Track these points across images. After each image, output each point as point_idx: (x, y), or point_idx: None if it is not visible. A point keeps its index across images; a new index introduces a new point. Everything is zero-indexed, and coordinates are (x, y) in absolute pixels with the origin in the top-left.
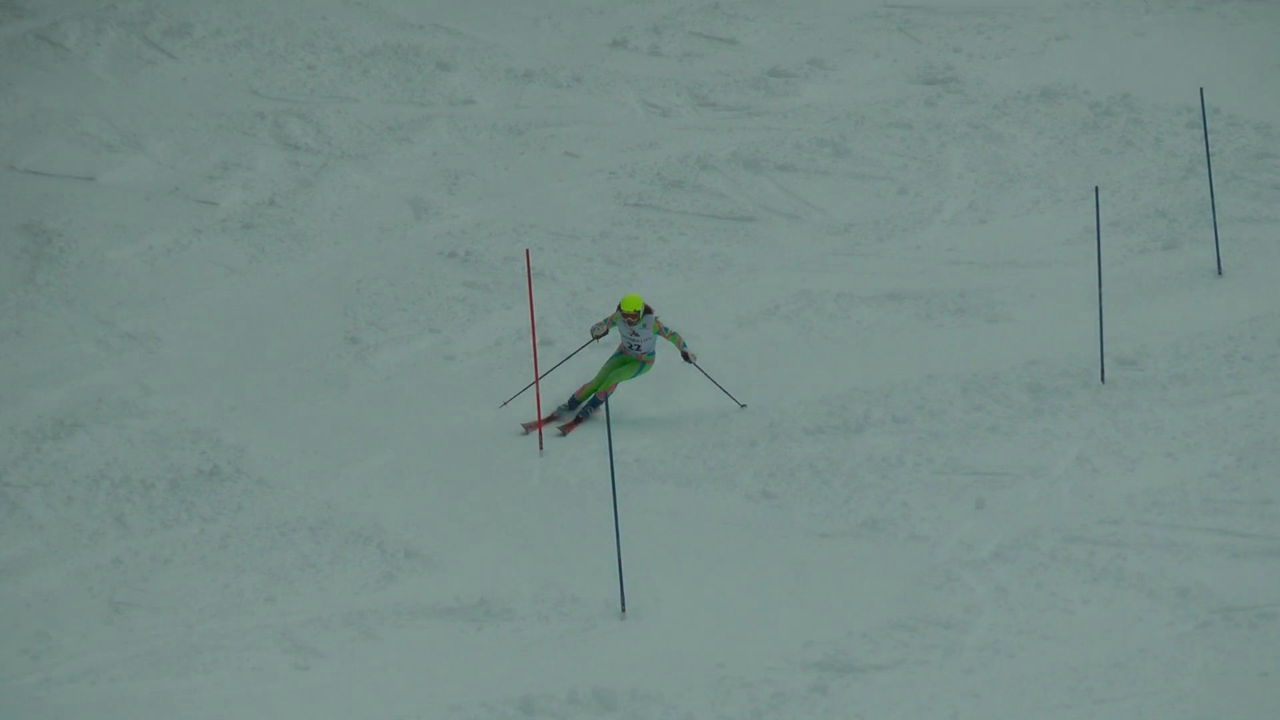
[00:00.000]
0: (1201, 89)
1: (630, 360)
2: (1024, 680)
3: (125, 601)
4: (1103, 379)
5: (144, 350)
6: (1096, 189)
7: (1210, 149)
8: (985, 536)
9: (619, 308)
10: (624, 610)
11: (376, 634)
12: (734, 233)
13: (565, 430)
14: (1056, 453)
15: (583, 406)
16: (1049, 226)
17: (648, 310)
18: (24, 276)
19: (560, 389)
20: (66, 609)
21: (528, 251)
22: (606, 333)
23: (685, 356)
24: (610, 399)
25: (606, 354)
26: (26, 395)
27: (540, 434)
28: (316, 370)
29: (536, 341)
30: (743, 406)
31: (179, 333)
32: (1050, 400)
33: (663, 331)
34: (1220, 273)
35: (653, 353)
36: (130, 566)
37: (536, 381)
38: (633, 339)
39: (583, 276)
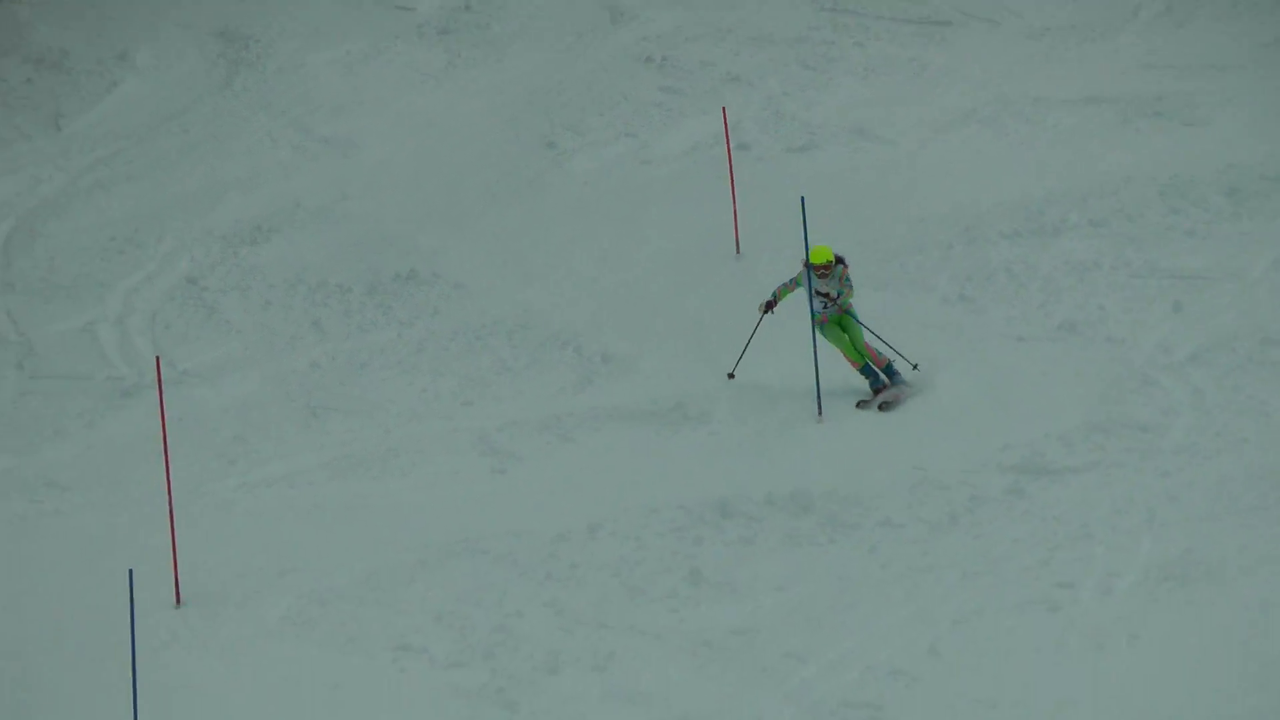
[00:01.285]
0: None
1: (836, 321)
2: (1221, 483)
3: (322, 406)
4: None
5: (341, 155)
6: None
7: None
8: (1182, 340)
9: (804, 262)
10: (820, 414)
11: (573, 437)
12: (931, 37)
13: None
14: (1254, 256)
15: (873, 379)
16: (1248, 30)
17: (839, 260)
18: (221, 82)
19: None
20: (264, 413)
21: (724, 111)
22: (778, 301)
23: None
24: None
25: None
26: (224, 200)
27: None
28: (513, 175)
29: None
30: (915, 367)
31: (376, 138)
32: (1248, 203)
33: (843, 284)
34: None
35: (849, 303)
36: (327, 371)
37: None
38: (823, 293)
39: (779, 81)
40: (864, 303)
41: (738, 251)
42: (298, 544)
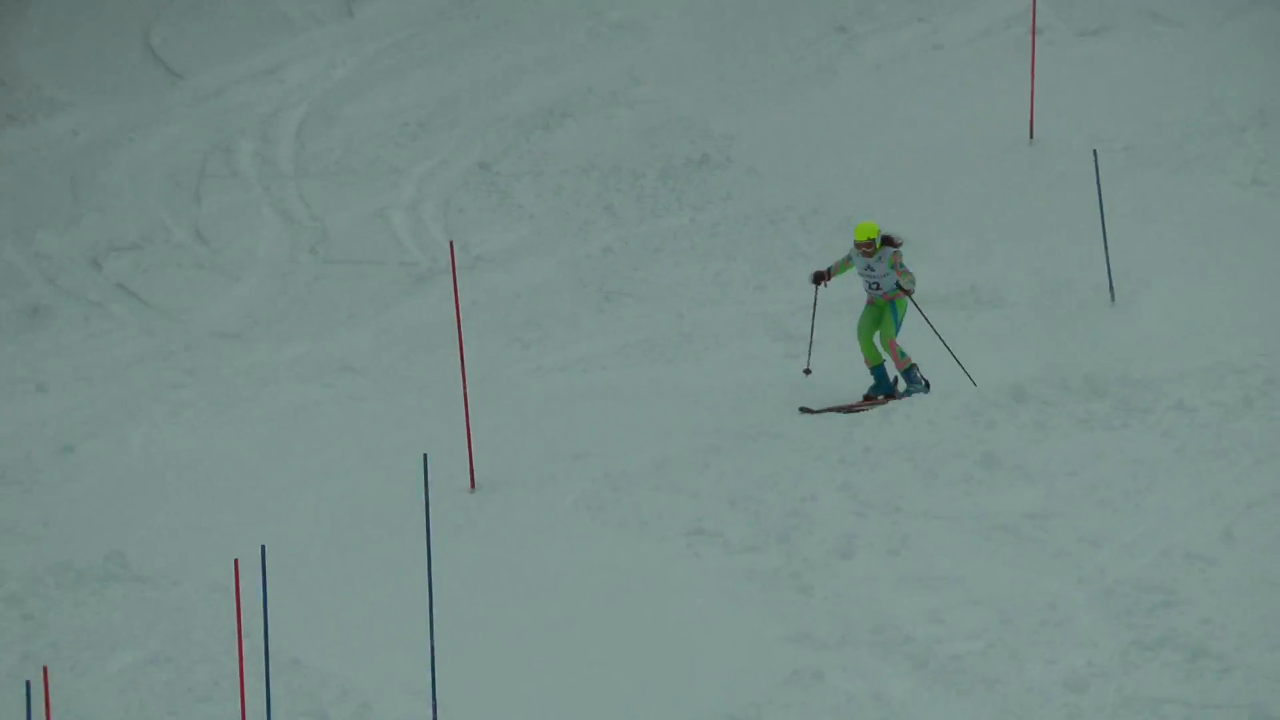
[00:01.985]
0: None
1: (877, 307)
2: None
3: (615, 290)
4: None
5: (633, 40)
6: None
7: None
8: None
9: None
10: (1113, 297)
11: None
12: None
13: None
14: None
15: (905, 386)
16: None
17: (886, 240)
18: None
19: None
20: (557, 298)
21: None
22: (830, 278)
23: (907, 293)
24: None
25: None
26: (517, 85)
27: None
28: (805, 60)
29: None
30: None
31: (668, 22)
32: None
33: (897, 268)
34: None
35: (895, 288)
36: (620, 255)
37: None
38: (869, 275)
39: None
40: (1159, 186)
41: (1031, 137)
42: (591, 429)
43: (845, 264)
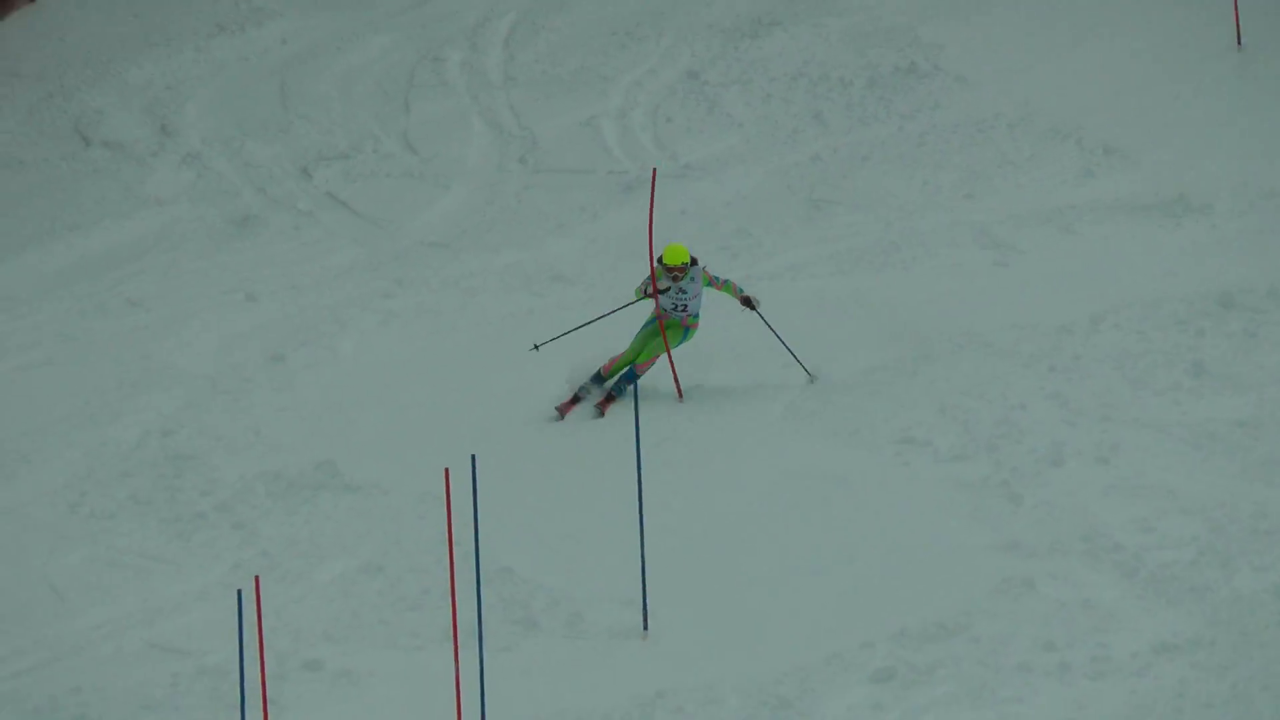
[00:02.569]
0: None
1: (672, 325)
2: None
3: (824, 199)
4: None
5: None
6: None
7: None
8: None
9: (659, 260)
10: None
11: (1074, 229)
12: None
13: (601, 408)
14: None
15: (615, 382)
16: None
17: (694, 261)
18: None
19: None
20: (766, 206)
21: None
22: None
23: (746, 302)
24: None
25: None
26: None
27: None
28: None
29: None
30: (812, 380)
31: None
32: None
33: (714, 282)
34: None
35: (698, 315)
36: (829, 163)
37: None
38: (679, 298)
39: None
40: None
41: (1239, 44)
42: (801, 336)
43: (642, 292)
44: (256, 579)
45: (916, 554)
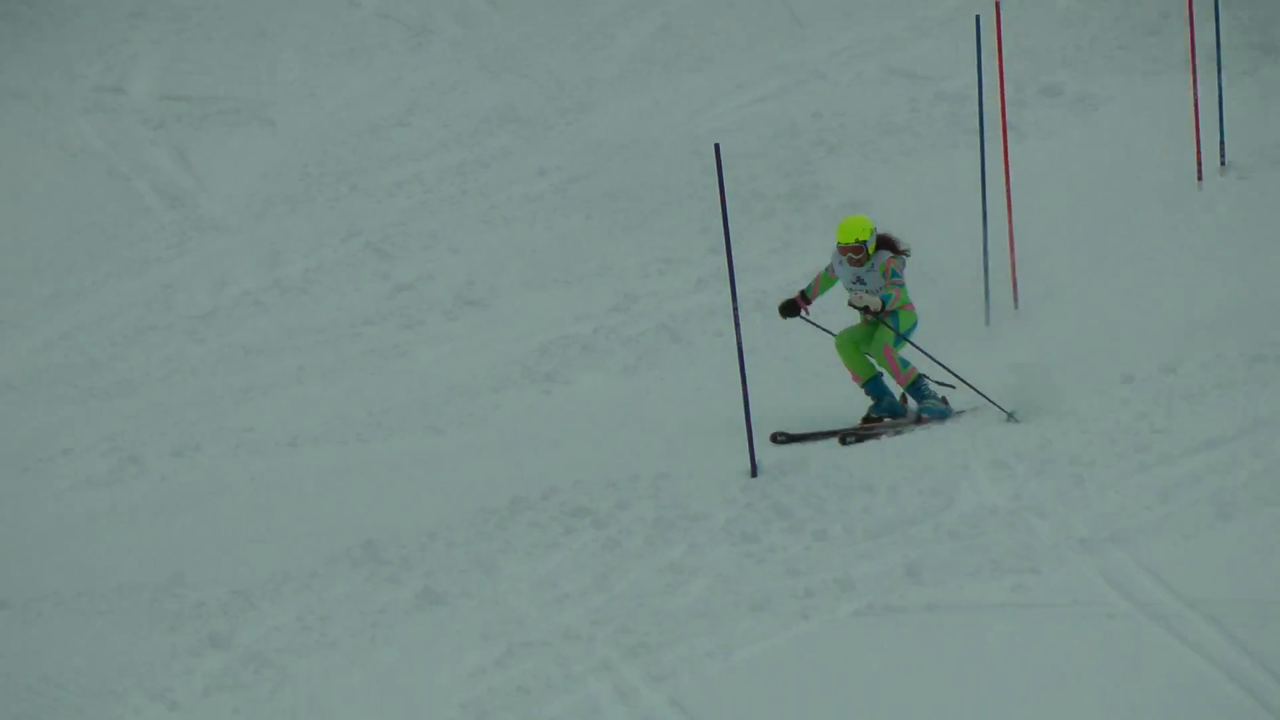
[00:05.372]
0: None
1: (871, 324)
2: None
3: None
4: None
5: None
6: None
7: None
8: None
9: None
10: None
11: None
12: None
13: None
14: None
15: (886, 402)
16: None
17: (886, 242)
18: None
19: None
20: None
21: None
22: (810, 303)
23: (876, 314)
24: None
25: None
26: None
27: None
28: None
29: None
30: (1010, 416)
31: None
32: None
33: (887, 274)
34: None
35: (890, 295)
36: None
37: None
38: (855, 286)
39: None
40: None
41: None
42: None
43: (828, 278)
44: (997, 3)
45: None
